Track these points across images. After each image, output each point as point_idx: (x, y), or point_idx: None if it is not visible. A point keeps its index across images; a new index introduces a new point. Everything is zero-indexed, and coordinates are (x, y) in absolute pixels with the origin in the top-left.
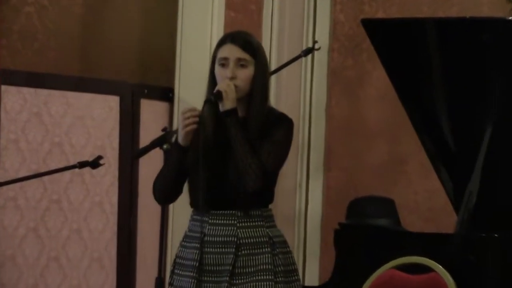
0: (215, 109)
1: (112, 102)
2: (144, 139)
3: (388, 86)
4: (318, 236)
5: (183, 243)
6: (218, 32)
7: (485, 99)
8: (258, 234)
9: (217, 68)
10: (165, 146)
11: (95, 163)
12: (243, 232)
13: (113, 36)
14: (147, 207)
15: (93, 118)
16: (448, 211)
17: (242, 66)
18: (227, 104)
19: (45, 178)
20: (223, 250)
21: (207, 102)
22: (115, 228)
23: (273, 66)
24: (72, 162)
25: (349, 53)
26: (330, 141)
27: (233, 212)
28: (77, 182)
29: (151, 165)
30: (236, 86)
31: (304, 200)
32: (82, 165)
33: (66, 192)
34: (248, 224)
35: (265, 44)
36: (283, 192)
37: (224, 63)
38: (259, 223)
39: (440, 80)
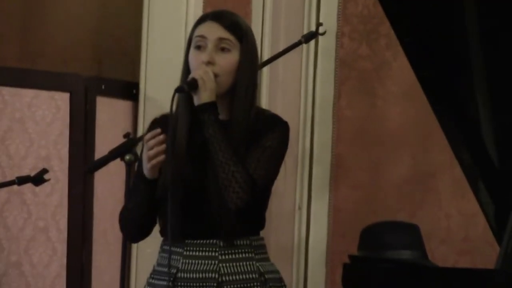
0: (189, 104)
1: (60, 101)
2: (101, 148)
3: (413, 81)
4: (322, 271)
5: (150, 280)
6: (195, 13)
7: None
8: (245, 269)
9: (192, 51)
10: (127, 157)
11: (38, 178)
12: (226, 266)
13: (61, 18)
14: (105, 234)
15: (35, 121)
16: (488, 241)
17: (224, 50)
18: (203, 95)
19: None
20: None
21: (177, 91)
22: (63, 261)
23: (266, 56)
24: (9, 177)
25: (363, 38)
26: (339, 151)
27: (214, 241)
28: (16, 202)
29: (109, 181)
30: (215, 75)
31: (304, 227)
32: (22, 180)
33: (1, 215)
34: (233, 256)
35: (256, 28)
36: (278, 216)
37: (201, 44)
38: (247, 255)
39: (481, 73)
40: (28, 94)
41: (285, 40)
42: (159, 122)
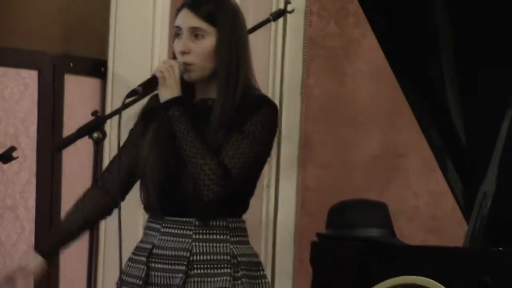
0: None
1: (27, 78)
2: (70, 125)
3: (382, 59)
4: (291, 250)
5: (131, 256)
6: None
7: (506, 76)
8: (218, 250)
9: (174, 41)
10: (95, 135)
11: (6, 156)
12: (199, 246)
13: None
14: None
15: (3, 99)
16: (456, 219)
17: (198, 36)
18: (164, 92)
19: None
20: (172, 267)
21: (130, 95)
22: (31, 239)
23: None
24: None
25: (332, 17)
26: (307, 130)
27: (190, 220)
28: None
29: (78, 159)
30: (190, 64)
31: (273, 205)
32: None
33: None
34: (208, 236)
35: None
36: None
37: (179, 33)
38: (222, 237)
39: (449, 52)
40: None
41: (253, 18)
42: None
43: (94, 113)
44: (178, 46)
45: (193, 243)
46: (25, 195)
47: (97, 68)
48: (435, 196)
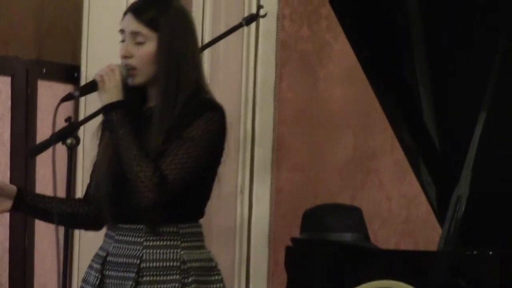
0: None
1: (0, 84)
2: (43, 131)
3: (354, 63)
4: (265, 254)
5: (91, 262)
6: None
7: (479, 79)
8: (167, 256)
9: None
10: (69, 141)
11: None
12: (149, 253)
13: None
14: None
15: None
16: (430, 223)
17: (139, 42)
18: (103, 96)
19: None
20: (124, 274)
21: (64, 99)
22: (6, 245)
23: (206, 38)
24: None
25: (304, 20)
26: (281, 133)
27: (140, 227)
28: None
29: (51, 166)
30: (132, 69)
31: (247, 209)
32: None
33: None
34: (157, 243)
35: (197, 10)
36: (220, 199)
37: (122, 38)
38: (171, 243)
39: (422, 54)
40: None
41: (226, 23)
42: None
43: (67, 119)
44: (120, 50)
45: (144, 250)
46: None
47: (70, 73)
48: (408, 199)
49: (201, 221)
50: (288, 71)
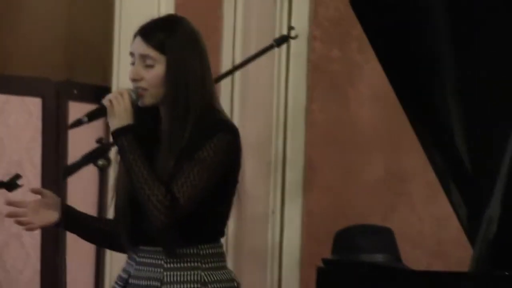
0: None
1: (31, 106)
2: (74, 153)
3: (385, 84)
4: (296, 275)
5: (113, 284)
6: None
7: (510, 101)
8: (188, 278)
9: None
10: (100, 163)
11: (11, 184)
12: (170, 275)
13: (32, 23)
14: (78, 239)
15: (7, 126)
16: (461, 244)
17: (148, 64)
18: (112, 122)
19: None
20: None
21: (74, 125)
22: (37, 267)
23: (237, 59)
24: None
25: (335, 42)
26: (312, 155)
27: (160, 249)
28: None
29: (82, 187)
30: (144, 89)
31: (278, 230)
32: None
33: None
34: (178, 265)
35: (227, 31)
36: (252, 221)
37: (132, 61)
38: (192, 264)
39: (453, 75)
40: None
41: (257, 44)
42: None
43: (98, 140)
44: (130, 73)
45: (165, 273)
46: None
47: (100, 94)
48: (440, 220)
49: (232, 242)
50: (319, 92)
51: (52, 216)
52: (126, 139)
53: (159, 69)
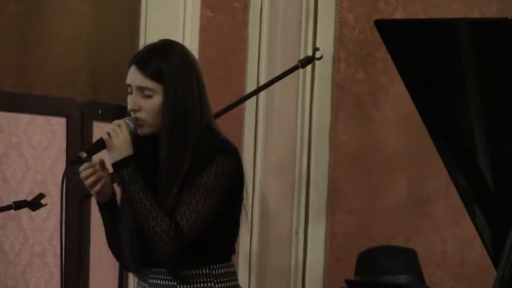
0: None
1: (56, 125)
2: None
3: (409, 106)
4: None
5: None
6: (191, 37)
7: None
8: None
9: (128, 97)
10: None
11: (35, 203)
12: None
13: (58, 42)
14: (101, 260)
15: (32, 146)
16: (484, 266)
17: (146, 95)
18: (111, 155)
19: None
20: None
21: (73, 163)
22: (61, 286)
23: (262, 80)
24: (6, 202)
25: (359, 63)
26: (335, 176)
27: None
28: (12, 227)
29: None
30: (142, 120)
31: (301, 251)
32: (18, 205)
33: None
34: (191, 286)
35: (252, 52)
36: (275, 241)
37: (130, 91)
38: (205, 285)
39: (477, 98)
40: (24, 119)
41: (282, 65)
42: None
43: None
44: (128, 104)
45: None
46: (54, 242)
47: (124, 115)
48: (463, 241)
49: (256, 262)
50: (343, 114)
51: (108, 189)
52: (127, 171)
53: (157, 99)
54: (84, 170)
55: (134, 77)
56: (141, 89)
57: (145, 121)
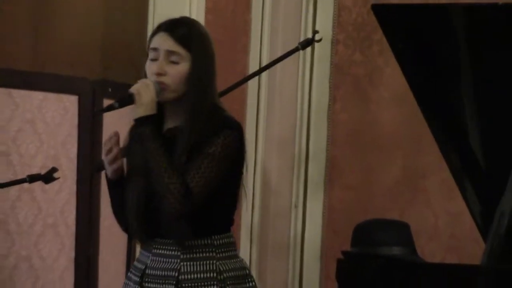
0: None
1: (68, 103)
2: None
3: (404, 86)
4: (317, 267)
5: (129, 274)
6: (197, 19)
7: None
8: (204, 268)
9: (148, 62)
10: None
11: (48, 177)
12: (186, 265)
13: (69, 23)
14: (110, 229)
15: (45, 122)
16: (474, 238)
17: (173, 62)
18: (138, 110)
19: None
20: (163, 286)
21: (106, 110)
22: (71, 255)
23: (264, 61)
24: (20, 175)
25: (357, 45)
26: (333, 153)
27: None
28: (26, 199)
29: None
30: (165, 84)
31: (300, 224)
32: (32, 179)
33: (13, 211)
34: (194, 255)
35: (255, 35)
36: (275, 214)
37: (155, 56)
38: (207, 254)
39: (468, 79)
40: (38, 96)
41: (283, 47)
42: None
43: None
44: (154, 67)
45: (181, 263)
46: (65, 214)
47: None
48: (454, 216)
49: (257, 234)
50: (341, 93)
51: (121, 165)
52: (148, 128)
53: (184, 66)
54: (108, 142)
55: (163, 41)
56: (169, 53)
57: (168, 86)
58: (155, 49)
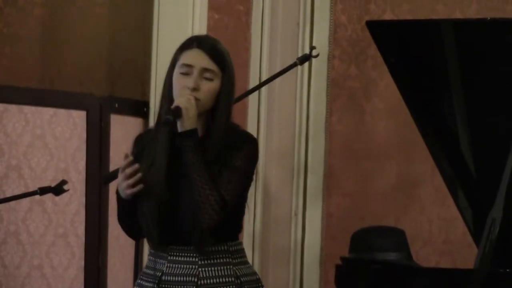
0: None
1: (77, 118)
2: (115, 161)
3: (398, 98)
4: (316, 272)
5: (139, 281)
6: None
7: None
8: (222, 273)
9: (177, 76)
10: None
11: (58, 189)
12: (205, 271)
13: (78, 42)
14: (119, 239)
15: (55, 137)
16: (467, 243)
17: (207, 79)
18: (187, 123)
19: (0, 206)
20: None
21: (165, 124)
22: (81, 264)
23: (264, 76)
24: (32, 188)
25: (352, 60)
26: (331, 162)
27: (192, 248)
28: (38, 211)
29: None
30: (197, 100)
31: (300, 231)
32: (43, 191)
33: (24, 222)
34: (212, 261)
35: (255, 50)
36: (276, 222)
37: (187, 71)
38: (224, 260)
39: (459, 92)
40: (48, 112)
41: (281, 62)
42: (143, 137)
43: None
44: (189, 82)
45: (200, 269)
46: (75, 224)
47: (139, 108)
48: (447, 221)
49: (259, 242)
50: (337, 106)
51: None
52: (193, 141)
53: (216, 83)
54: (126, 169)
55: (200, 59)
56: (204, 70)
57: (199, 101)
58: (189, 66)
